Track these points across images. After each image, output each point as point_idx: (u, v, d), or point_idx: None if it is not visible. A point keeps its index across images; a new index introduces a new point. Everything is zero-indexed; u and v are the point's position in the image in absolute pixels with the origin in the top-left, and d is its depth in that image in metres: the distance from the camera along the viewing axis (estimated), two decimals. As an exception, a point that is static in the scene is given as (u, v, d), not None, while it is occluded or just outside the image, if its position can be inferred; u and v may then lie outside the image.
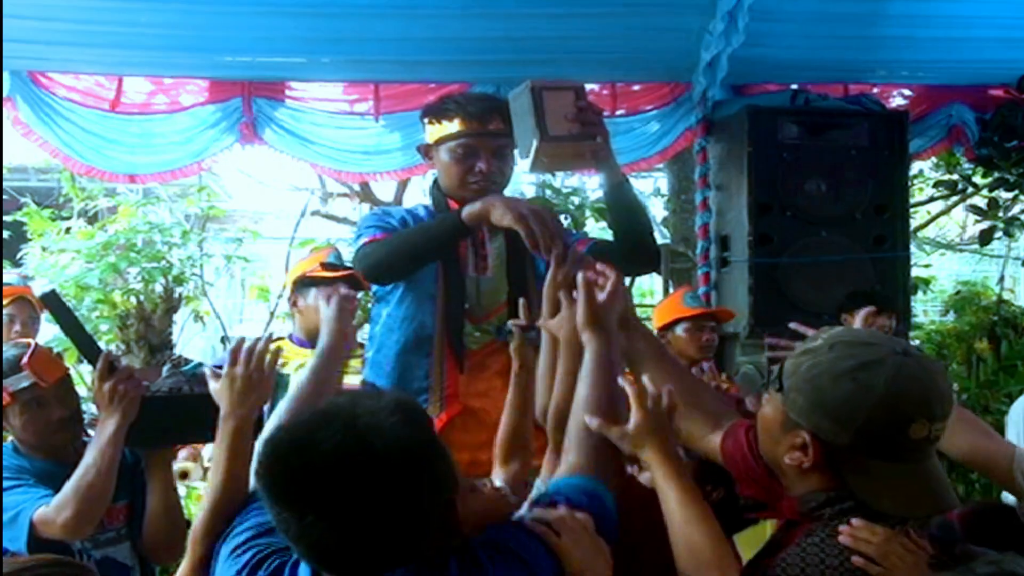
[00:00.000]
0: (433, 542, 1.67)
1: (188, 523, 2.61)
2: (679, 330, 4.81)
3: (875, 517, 1.82)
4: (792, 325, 2.58)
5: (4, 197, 5.73)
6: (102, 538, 2.81)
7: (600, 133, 2.94)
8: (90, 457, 2.64)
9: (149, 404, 2.73)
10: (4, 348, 2.90)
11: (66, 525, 2.59)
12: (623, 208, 3.16)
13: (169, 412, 2.81)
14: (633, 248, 3.12)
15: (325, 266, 4.20)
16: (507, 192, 3.34)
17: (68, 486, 2.62)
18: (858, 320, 4.77)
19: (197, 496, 4.10)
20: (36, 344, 2.94)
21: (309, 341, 4.13)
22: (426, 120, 3.29)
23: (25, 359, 2.79)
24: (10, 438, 2.92)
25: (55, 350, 3.37)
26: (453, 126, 3.17)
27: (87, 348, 2.77)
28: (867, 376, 1.78)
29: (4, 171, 4.15)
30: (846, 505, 1.83)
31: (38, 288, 3.47)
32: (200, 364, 2.96)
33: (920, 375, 1.80)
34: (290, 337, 4.25)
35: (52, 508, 2.61)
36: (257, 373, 2.26)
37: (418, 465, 1.61)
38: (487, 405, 3.12)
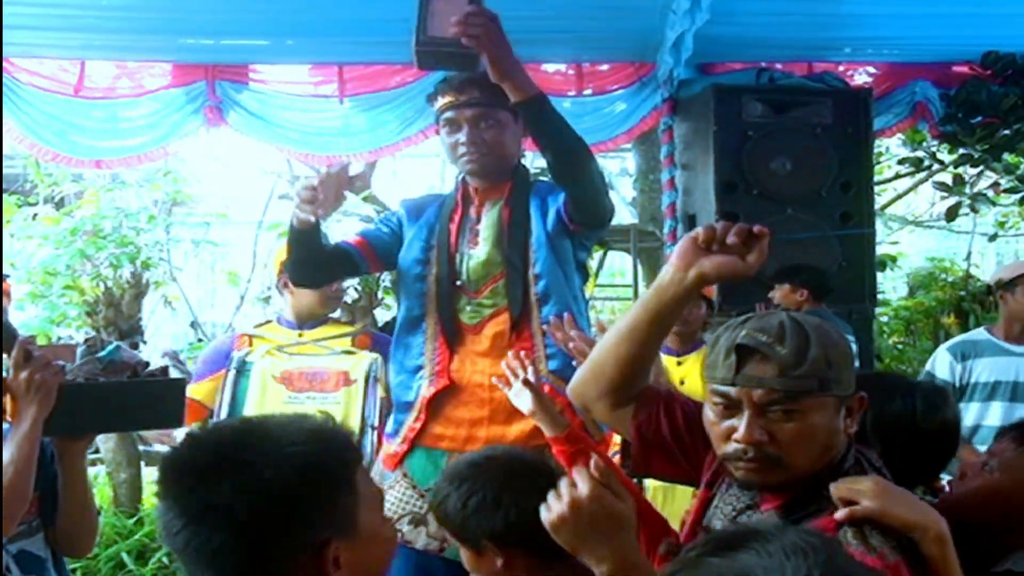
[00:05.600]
0: None
1: (100, 513, 2.57)
2: None
3: None
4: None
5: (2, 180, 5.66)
6: (16, 531, 2.67)
7: (483, 46, 2.83)
8: (8, 453, 2.55)
9: (66, 392, 2.64)
10: None
11: None
12: (541, 129, 2.98)
13: (86, 400, 2.71)
14: (570, 184, 2.98)
15: None
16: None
17: None
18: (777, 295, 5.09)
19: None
20: None
21: (297, 322, 4.11)
22: (429, 100, 3.36)
23: None
24: None
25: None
26: (440, 101, 3.22)
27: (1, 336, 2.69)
28: (825, 325, 1.91)
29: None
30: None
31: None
32: (118, 347, 2.88)
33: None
34: (278, 320, 4.22)
35: None
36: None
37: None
38: (481, 379, 3.14)
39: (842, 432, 1.89)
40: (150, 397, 2.82)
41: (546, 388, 2.96)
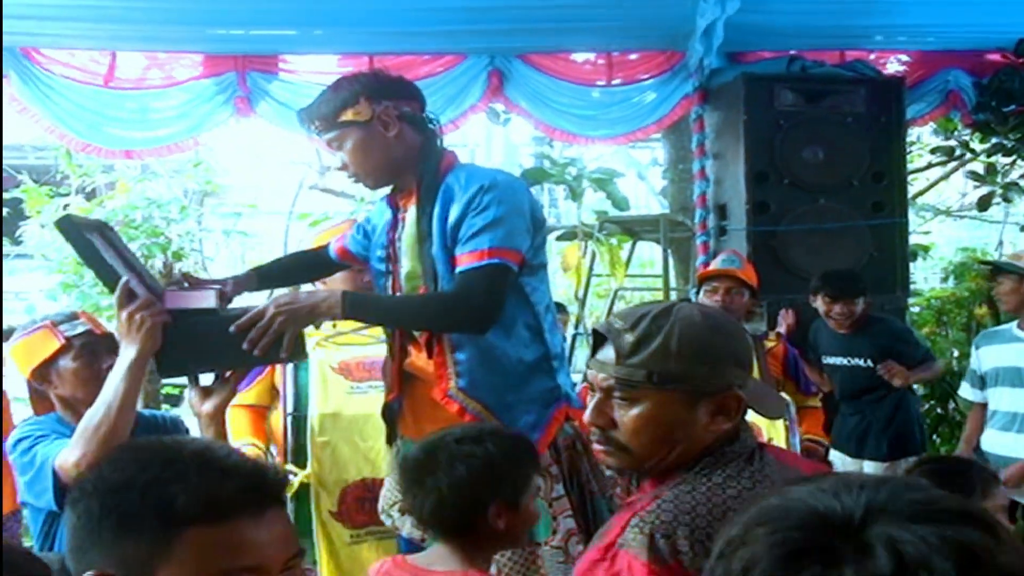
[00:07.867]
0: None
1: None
2: (701, 292, 4.72)
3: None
4: None
5: (2, 175, 5.71)
6: None
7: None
8: (104, 393, 2.47)
9: (176, 330, 2.55)
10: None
11: (79, 466, 2.40)
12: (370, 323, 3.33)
13: (198, 335, 2.63)
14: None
15: None
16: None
17: (80, 425, 2.48)
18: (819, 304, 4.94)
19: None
20: None
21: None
22: None
23: (79, 311, 2.82)
24: (55, 411, 2.87)
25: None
26: None
27: (106, 276, 2.60)
28: (717, 321, 1.90)
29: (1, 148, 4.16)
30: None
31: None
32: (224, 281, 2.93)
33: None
34: None
35: (67, 451, 2.47)
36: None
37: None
38: (426, 385, 3.09)
39: (700, 427, 1.83)
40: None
41: (455, 406, 2.95)
